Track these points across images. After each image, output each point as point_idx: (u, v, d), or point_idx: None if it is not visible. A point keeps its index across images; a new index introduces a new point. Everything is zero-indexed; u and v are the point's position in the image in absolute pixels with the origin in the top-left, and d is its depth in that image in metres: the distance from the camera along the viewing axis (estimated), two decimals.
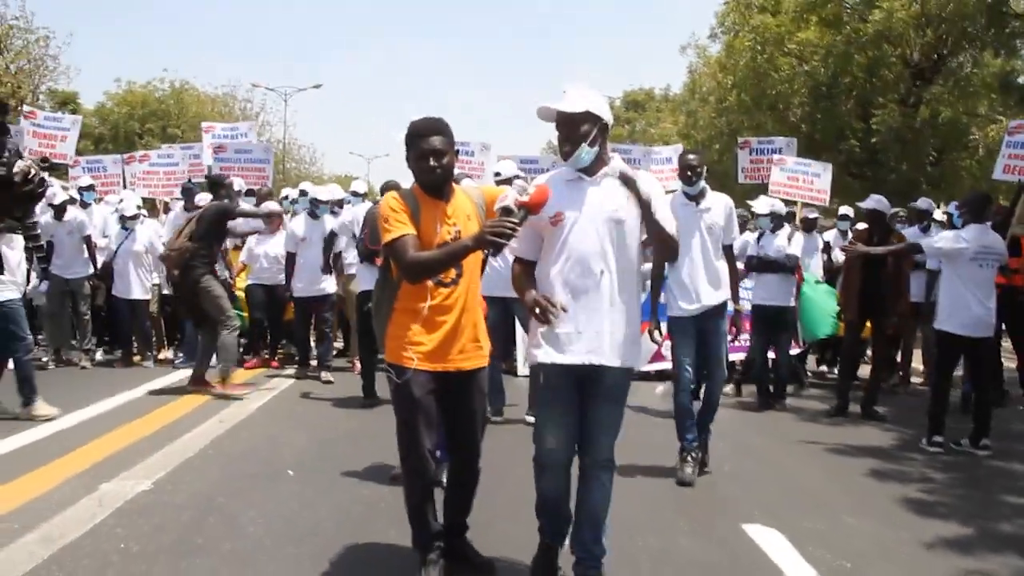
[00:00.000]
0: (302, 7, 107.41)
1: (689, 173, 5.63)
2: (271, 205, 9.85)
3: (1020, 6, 11.55)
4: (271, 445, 6.21)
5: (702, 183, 5.69)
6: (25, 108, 14.41)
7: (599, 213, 3.48)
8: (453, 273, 3.57)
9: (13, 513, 4.48)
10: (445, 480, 3.97)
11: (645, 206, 3.50)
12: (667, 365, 9.25)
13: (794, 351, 9.93)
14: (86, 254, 9.43)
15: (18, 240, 7.31)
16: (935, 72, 16.03)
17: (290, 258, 9.03)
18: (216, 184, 8.59)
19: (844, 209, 10.94)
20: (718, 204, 5.66)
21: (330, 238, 9.04)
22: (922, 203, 9.83)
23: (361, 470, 5.46)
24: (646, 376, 8.92)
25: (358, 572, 3.88)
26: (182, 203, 10.32)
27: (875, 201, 8.10)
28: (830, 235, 10.66)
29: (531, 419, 5.50)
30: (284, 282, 9.23)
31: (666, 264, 5.58)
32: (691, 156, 5.74)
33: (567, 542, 3.71)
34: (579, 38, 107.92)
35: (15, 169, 2.55)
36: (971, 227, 6.67)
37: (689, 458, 5.53)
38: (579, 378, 3.53)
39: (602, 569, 3.65)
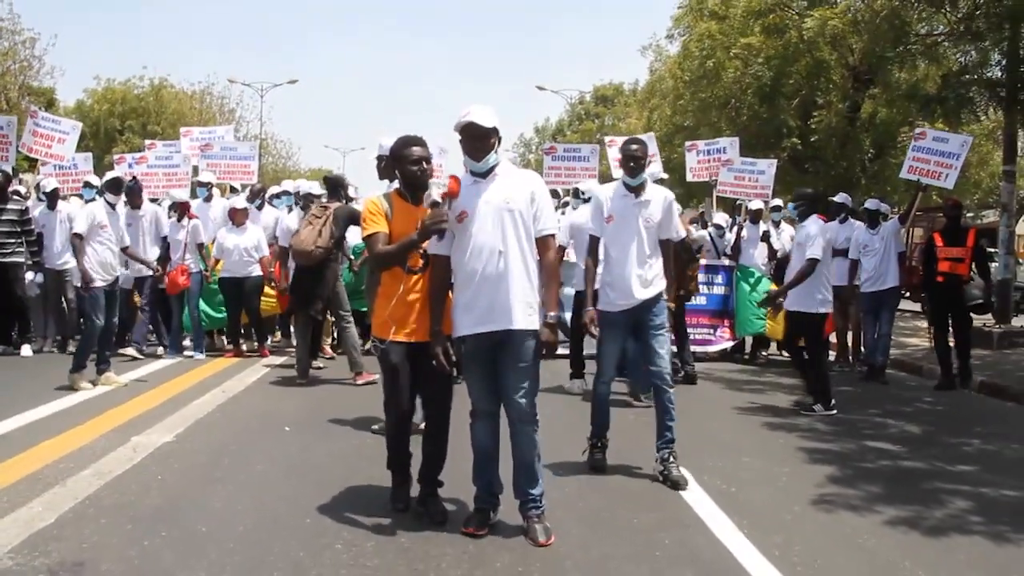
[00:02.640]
0: (278, 2, 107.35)
1: (632, 164, 5.44)
2: (238, 201, 10.40)
3: (923, 29, 12.84)
4: (270, 409, 7.31)
5: (644, 175, 5.53)
6: (32, 107, 15.04)
7: (495, 206, 4.20)
8: (420, 263, 4.47)
9: (66, 457, 5.55)
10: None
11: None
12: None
13: (729, 343, 11.17)
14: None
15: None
16: (874, 75, 17.28)
17: (284, 252, 9.30)
18: (336, 185, 8.75)
19: (777, 200, 12.07)
20: (657, 198, 5.53)
21: None
22: (839, 198, 11.03)
23: (348, 425, 6.58)
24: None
25: (348, 498, 4.90)
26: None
27: (842, 197, 10.56)
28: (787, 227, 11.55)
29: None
30: (253, 274, 9.97)
31: (598, 258, 5.63)
32: (634, 146, 5.50)
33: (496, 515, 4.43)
34: (553, 32, 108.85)
35: None
36: (813, 218, 7.84)
37: (599, 444, 5.64)
38: (493, 344, 4.26)
39: (542, 504, 4.36)
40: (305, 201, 9.74)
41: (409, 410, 4.66)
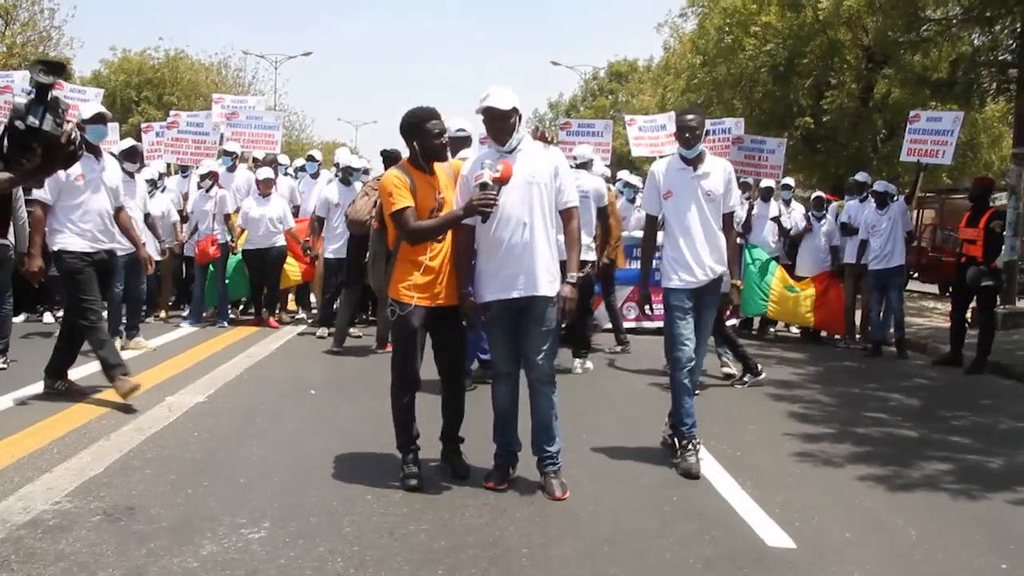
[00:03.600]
0: None
1: (687, 135, 5.20)
2: (265, 172, 10.44)
3: (937, 13, 12.96)
4: (294, 373, 7.64)
5: (700, 146, 5.28)
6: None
7: (521, 179, 4.43)
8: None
9: (106, 414, 5.89)
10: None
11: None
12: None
13: (732, 320, 11.42)
14: None
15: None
16: (887, 57, 17.40)
17: (320, 222, 9.50)
18: (391, 159, 8.42)
19: (788, 179, 12.29)
20: (717, 169, 5.29)
21: None
22: (860, 176, 11.26)
23: (372, 389, 6.86)
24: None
25: (375, 454, 5.20)
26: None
27: (863, 176, 11.06)
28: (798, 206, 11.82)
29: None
30: (277, 244, 10.12)
31: (658, 233, 5.57)
32: (689, 116, 5.28)
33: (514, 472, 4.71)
34: (567, 8, 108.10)
35: (63, 129, 2.72)
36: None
37: (691, 446, 5.17)
38: (516, 310, 4.54)
39: (558, 461, 4.64)
40: (344, 173, 9.81)
41: (417, 379, 4.71)
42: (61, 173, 5.70)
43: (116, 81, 33.75)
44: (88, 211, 6.27)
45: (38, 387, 6.38)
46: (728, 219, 5.36)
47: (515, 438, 4.76)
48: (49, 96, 2.74)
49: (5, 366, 7.24)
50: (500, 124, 4.47)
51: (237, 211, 10.56)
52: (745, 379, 7.84)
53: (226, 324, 10.28)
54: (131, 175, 8.62)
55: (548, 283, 4.49)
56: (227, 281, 10.48)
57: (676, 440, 5.26)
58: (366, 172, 10.34)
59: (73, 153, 2.80)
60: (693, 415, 5.22)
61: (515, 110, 4.47)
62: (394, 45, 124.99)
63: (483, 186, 4.29)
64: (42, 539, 3.73)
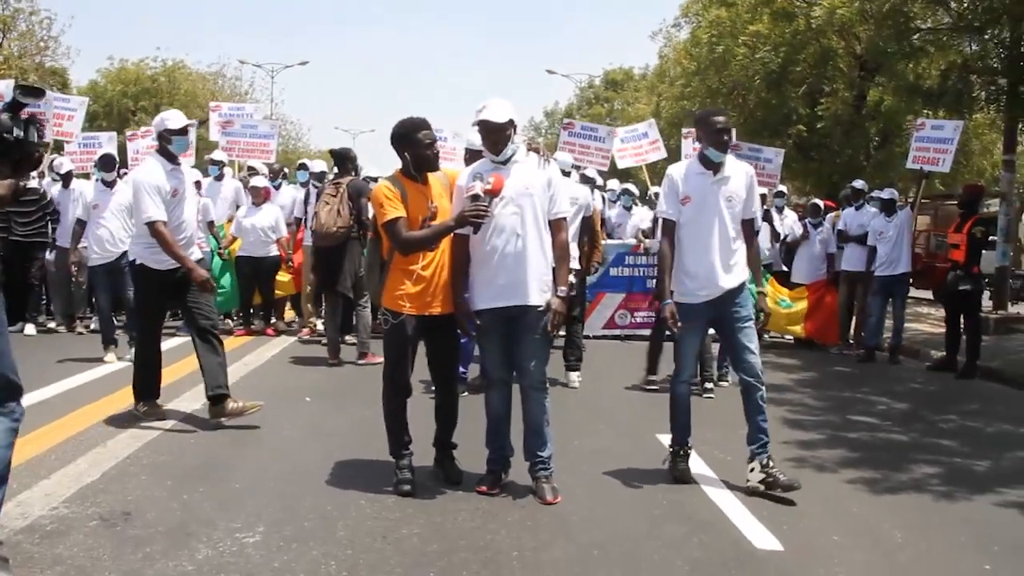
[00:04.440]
0: None
1: (726, 137, 4.89)
2: (257, 180, 10.36)
3: (928, 22, 13.08)
4: (290, 381, 7.71)
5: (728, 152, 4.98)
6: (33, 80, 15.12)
7: (515, 191, 4.51)
8: None
9: (103, 421, 5.95)
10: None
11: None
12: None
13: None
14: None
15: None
16: (880, 64, 17.51)
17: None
18: (344, 158, 8.72)
19: (781, 187, 12.34)
20: (738, 173, 4.99)
21: None
22: (857, 184, 11.34)
23: (366, 397, 6.91)
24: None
25: (369, 460, 5.23)
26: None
27: (860, 184, 11.16)
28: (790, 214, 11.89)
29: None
30: (271, 254, 10.03)
31: (674, 243, 5.04)
32: (723, 118, 4.95)
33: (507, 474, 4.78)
34: (566, 15, 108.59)
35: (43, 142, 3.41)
36: None
37: (682, 452, 5.13)
38: (509, 319, 4.61)
39: (550, 466, 4.70)
40: (316, 179, 9.78)
41: (408, 386, 4.77)
42: (165, 189, 5.77)
43: (113, 91, 33.90)
44: (182, 223, 6.03)
45: (37, 396, 6.43)
46: (748, 226, 5.09)
47: (508, 443, 4.83)
48: (25, 113, 3.03)
49: None
50: (495, 136, 4.57)
51: (230, 220, 10.52)
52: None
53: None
54: (108, 184, 8.64)
55: (540, 292, 4.56)
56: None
57: (672, 446, 5.18)
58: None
59: (36, 165, 3.12)
60: (689, 427, 5.17)
61: (510, 123, 4.58)
62: (391, 54, 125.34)
63: (475, 197, 4.39)
64: (40, 544, 3.78)
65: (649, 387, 7.69)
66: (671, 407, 5.20)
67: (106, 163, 8.79)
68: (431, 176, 4.76)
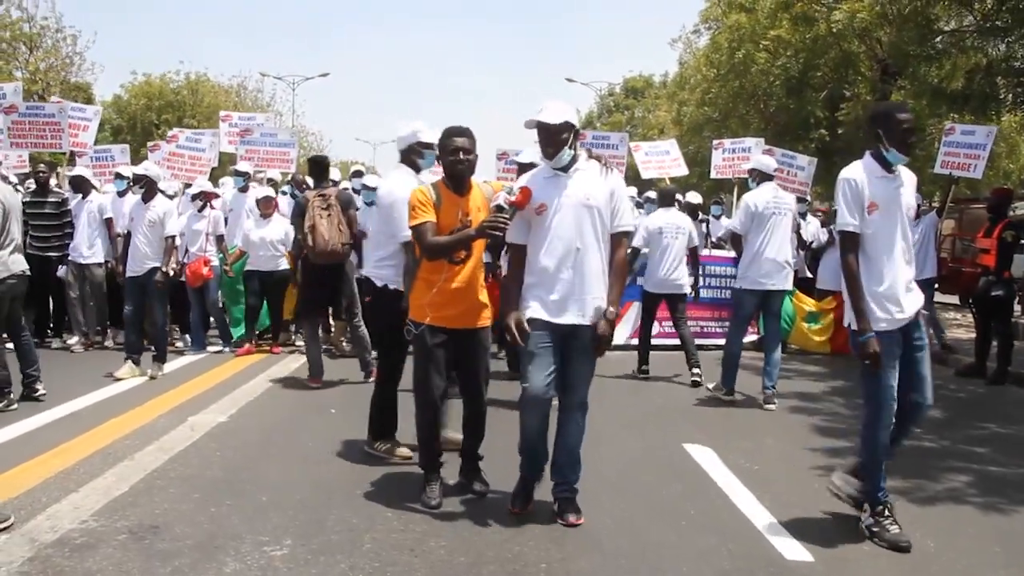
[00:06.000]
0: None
1: (913, 137, 4.39)
2: (263, 191, 10.04)
3: (951, 24, 12.96)
4: (315, 392, 7.71)
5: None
6: (55, 98, 15.18)
7: (575, 201, 4.33)
8: (463, 254, 4.68)
9: (130, 435, 5.97)
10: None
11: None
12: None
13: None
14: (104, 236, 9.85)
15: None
16: (903, 67, 17.39)
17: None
18: (325, 167, 8.45)
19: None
20: (909, 178, 4.43)
21: None
22: None
23: None
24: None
25: (394, 473, 5.28)
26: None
27: None
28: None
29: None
30: (280, 267, 9.46)
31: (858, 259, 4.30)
32: (908, 115, 4.34)
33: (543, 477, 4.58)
34: (587, 23, 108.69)
35: None
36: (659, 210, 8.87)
37: (887, 512, 4.34)
38: (562, 335, 4.38)
39: (577, 489, 4.50)
40: (299, 188, 9.51)
41: (436, 398, 4.71)
42: None
43: (136, 105, 34.27)
44: None
45: (63, 409, 6.49)
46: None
47: (544, 463, 4.61)
48: None
49: (44, 394, 7.03)
50: (549, 138, 4.33)
51: None
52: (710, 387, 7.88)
53: (229, 349, 9.88)
54: (145, 200, 8.34)
55: (596, 311, 4.37)
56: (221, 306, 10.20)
57: (870, 507, 4.39)
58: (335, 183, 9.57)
59: None
60: (885, 477, 4.43)
61: (567, 125, 4.31)
62: (411, 63, 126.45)
63: (497, 208, 4.32)
64: (70, 557, 3.80)
65: (726, 397, 7.64)
66: (870, 461, 4.41)
67: (142, 182, 8.44)
68: (475, 187, 4.73)
